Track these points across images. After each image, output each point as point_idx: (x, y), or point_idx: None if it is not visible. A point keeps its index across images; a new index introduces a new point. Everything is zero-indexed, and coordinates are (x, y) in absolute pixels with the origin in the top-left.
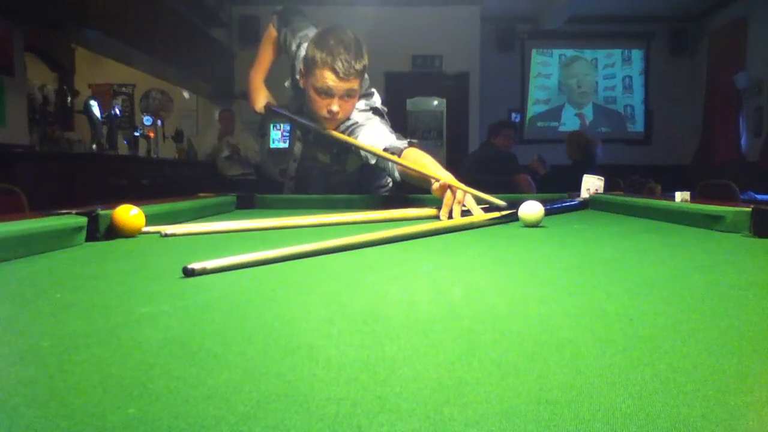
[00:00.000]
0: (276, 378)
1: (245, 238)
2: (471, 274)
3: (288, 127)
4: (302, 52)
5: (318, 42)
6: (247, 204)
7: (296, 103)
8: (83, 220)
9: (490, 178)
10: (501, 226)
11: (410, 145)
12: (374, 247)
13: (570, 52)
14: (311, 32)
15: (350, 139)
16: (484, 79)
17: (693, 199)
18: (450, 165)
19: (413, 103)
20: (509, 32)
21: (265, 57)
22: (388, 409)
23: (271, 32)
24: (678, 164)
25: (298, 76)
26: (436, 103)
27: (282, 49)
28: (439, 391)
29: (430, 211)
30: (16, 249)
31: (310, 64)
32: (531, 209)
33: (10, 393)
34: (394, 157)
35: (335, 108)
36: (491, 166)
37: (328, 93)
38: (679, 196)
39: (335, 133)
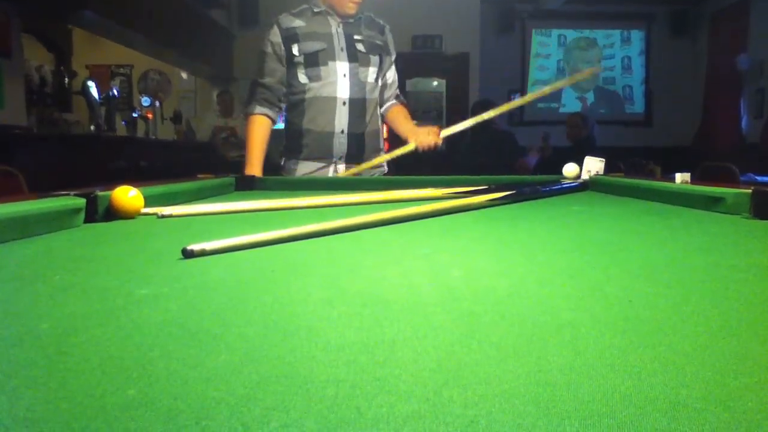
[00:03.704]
0: (275, 360)
1: (244, 219)
2: (470, 256)
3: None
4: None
5: None
6: (246, 185)
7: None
8: (82, 202)
9: (491, 161)
10: (500, 207)
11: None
12: (374, 229)
13: (571, 33)
14: (289, 14)
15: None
16: (484, 60)
17: (693, 180)
18: (449, 146)
19: (413, 84)
20: (509, 12)
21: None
22: (387, 390)
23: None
24: (678, 146)
25: None
26: (435, 83)
27: (283, 56)
28: (439, 373)
29: (430, 193)
30: (14, 231)
31: None
32: (571, 168)
33: (10, 375)
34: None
35: None
36: (494, 148)
37: None
38: (680, 177)
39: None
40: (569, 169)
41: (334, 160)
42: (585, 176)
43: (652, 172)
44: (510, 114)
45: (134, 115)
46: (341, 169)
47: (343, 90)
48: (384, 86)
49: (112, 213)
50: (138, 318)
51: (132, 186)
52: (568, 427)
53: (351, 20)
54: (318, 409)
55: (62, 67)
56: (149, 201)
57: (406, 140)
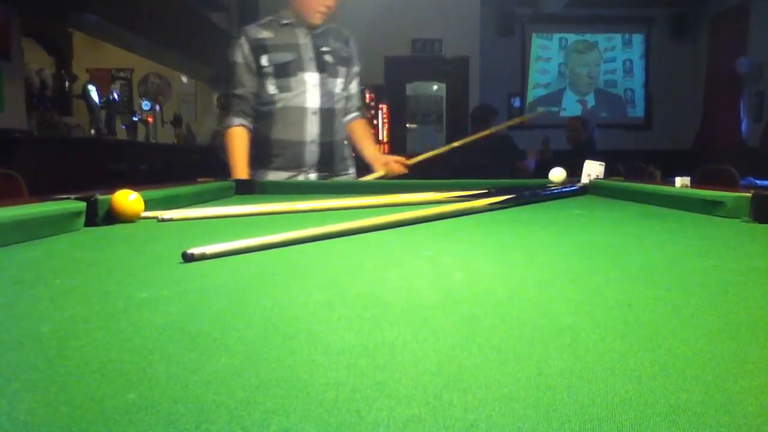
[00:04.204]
0: (275, 363)
1: (244, 223)
2: (471, 260)
3: None
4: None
5: None
6: (246, 189)
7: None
8: (82, 205)
9: (492, 163)
10: (501, 211)
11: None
12: (374, 233)
13: (572, 37)
14: (257, 26)
15: None
16: (484, 64)
17: (693, 184)
18: (450, 150)
19: (413, 88)
20: (509, 16)
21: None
22: (387, 394)
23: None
24: (678, 149)
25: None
26: (435, 87)
27: (253, 66)
28: (439, 377)
29: (431, 196)
30: (15, 234)
31: None
32: (557, 173)
33: (10, 378)
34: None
35: (330, 2)
36: (494, 152)
37: None
38: (679, 181)
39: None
40: (555, 174)
41: (305, 168)
42: (585, 180)
43: (652, 175)
44: (509, 117)
45: (134, 118)
46: (312, 177)
47: (313, 100)
48: (348, 97)
49: (113, 216)
50: (138, 321)
51: (132, 190)
52: (569, 430)
53: (318, 31)
54: (318, 412)
55: (63, 71)
56: (149, 205)
57: (370, 165)
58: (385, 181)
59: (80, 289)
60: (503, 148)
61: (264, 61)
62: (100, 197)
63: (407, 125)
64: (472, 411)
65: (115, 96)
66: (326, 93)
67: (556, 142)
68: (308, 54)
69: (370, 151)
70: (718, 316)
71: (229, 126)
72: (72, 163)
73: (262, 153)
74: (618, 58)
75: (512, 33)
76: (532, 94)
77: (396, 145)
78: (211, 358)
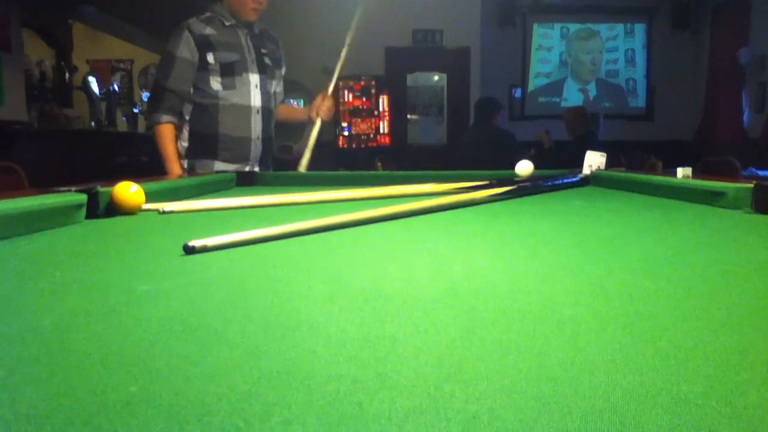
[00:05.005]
0: (276, 355)
1: (245, 215)
2: (472, 252)
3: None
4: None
5: None
6: (247, 181)
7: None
8: (83, 198)
9: (493, 158)
10: (502, 202)
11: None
12: (375, 225)
13: (574, 26)
14: (199, 21)
15: None
16: (485, 54)
17: (694, 175)
18: (450, 141)
19: (413, 79)
20: (510, 6)
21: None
22: (389, 386)
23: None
24: (679, 140)
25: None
26: (436, 78)
27: (196, 62)
28: (440, 369)
29: (432, 188)
30: (16, 227)
31: None
32: (524, 167)
33: (12, 371)
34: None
35: None
36: (495, 146)
37: None
38: (681, 172)
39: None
40: (521, 168)
41: (250, 162)
42: (587, 171)
43: (654, 166)
44: (510, 108)
45: (135, 110)
46: (256, 169)
47: (256, 99)
48: (276, 94)
49: (114, 209)
50: (139, 314)
51: (133, 182)
52: (570, 422)
53: (256, 32)
54: (320, 404)
55: (63, 62)
56: (150, 197)
57: (307, 120)
58: (386, 172)
59: (81, 282)
60: (504, 145)
61: (210, 58)
62: (101, 189)
63: (408, 116)
64: (473, 402)
65: (116, 87)
66: (265, 93)
67: (560, 133)
68: (251, 56)
69: (300, 111)
70: (720, 308)
71: (158, 123)
72: (72, 155)
73: (207, 146)
74: (620, 48)
75: (513, 23)
76: (533, 83)
77: (397, 136)
78: (212, 350)
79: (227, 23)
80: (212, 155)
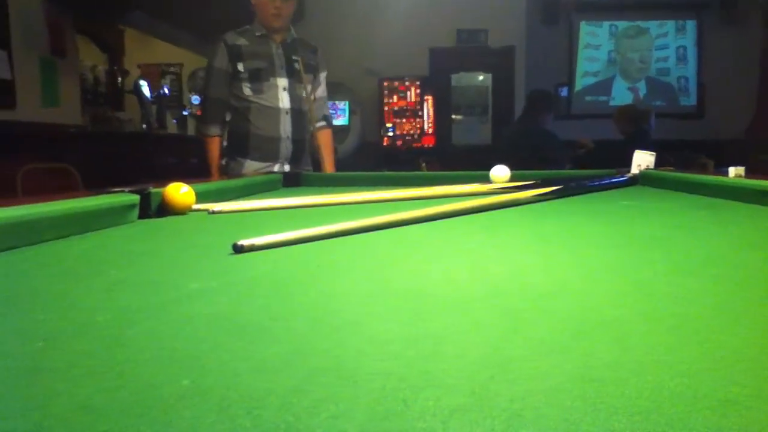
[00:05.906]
0: (323, 353)
1: (291, 215)
2: (514, 252)
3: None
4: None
5: None
6: (293, 182)
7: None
8: (136, 198)
9: (529, 158)
10: (546, 203)
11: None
12: (418, 225)
13: (622, 24)
14: (235, 33)
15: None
16: (530, 53)
17: (747, 174)
18: (495, 141)
19: (458, 79)
20: (555, 4)
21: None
22: (434, 384)
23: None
24: (731, 139)
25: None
26: (481, 78)
27: (230, 71)
28: (484, 367)
29: (476, 188)
30: (72, 226)
31: None
32: (499, 173)
33: (71, 364)
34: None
35: (279, 3)
36: (535, 143)
37: None
38: (733, 171)
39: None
40: (497, 174)
41: (280, 161)
42: (635, 170)
43: (705, 165)
44: (557, 107)
45: (184, 113)
46: (287, 168)
47: (284, 101)
48: (315, 100)
49: (165, 209)
50: (190, 311)
51: (183, 183)
52: (616, 422)
53: (288, 41)
54: (366, 401)
55: (115, 67)
56: (200, 197)
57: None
58: (430, 173)
59: (134, 280)
60: (545, 146)
61: (240, 66)
62: (153, 190)
63: (453, 116)
64: (517, 401)
65: (166, 91)
66: (295, 96)
67: (606, 132)
68: (280, 61)
69: (327, 168)
70: None
71: (209, 135)
72: (124, 157)
73: (240, 144)
74: (671, 45)
75: (558, 21)
76: (580, 82)
77: (441, 136)
78: (260, 347)
79: (258, 33)
80: (244, 154)
